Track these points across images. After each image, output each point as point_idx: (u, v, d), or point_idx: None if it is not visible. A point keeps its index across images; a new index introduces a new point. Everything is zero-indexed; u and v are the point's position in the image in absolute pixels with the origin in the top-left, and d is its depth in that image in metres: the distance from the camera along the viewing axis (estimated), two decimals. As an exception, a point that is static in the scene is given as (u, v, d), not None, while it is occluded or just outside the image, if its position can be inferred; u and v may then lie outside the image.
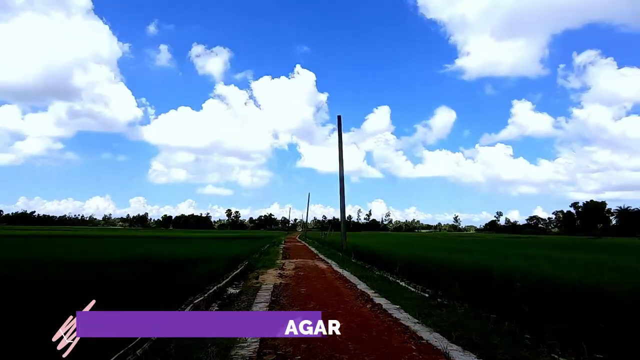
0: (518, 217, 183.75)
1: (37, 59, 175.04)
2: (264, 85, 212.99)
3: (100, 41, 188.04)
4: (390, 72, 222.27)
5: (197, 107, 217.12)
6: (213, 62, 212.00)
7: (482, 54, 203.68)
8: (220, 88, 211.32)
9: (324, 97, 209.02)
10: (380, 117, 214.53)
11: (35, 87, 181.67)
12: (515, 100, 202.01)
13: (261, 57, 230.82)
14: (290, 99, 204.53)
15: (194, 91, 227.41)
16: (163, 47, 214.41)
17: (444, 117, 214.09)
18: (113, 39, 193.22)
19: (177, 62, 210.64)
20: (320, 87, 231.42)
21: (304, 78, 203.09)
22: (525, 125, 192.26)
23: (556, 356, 4.00)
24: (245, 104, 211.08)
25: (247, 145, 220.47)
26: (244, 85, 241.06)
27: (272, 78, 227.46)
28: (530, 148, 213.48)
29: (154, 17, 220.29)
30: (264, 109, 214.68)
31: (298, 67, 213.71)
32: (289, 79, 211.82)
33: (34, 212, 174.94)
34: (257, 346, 4.18)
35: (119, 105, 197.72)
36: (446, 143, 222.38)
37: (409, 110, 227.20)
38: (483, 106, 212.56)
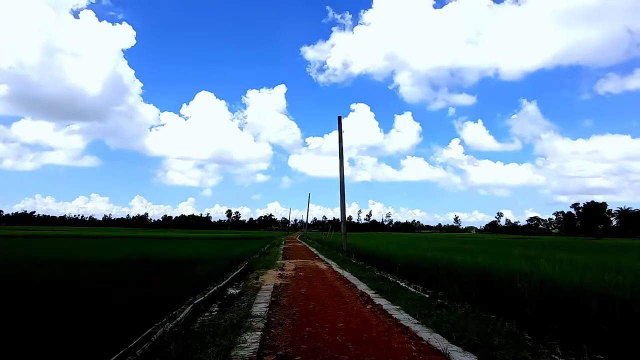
0: (512, 217, 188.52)
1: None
2: (252, 100, 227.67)
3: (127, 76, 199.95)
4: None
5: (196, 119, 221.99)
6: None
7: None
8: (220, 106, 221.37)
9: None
10: (357, 122, 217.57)
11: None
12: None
13: (247, 73, 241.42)
14: (275, 111, 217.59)
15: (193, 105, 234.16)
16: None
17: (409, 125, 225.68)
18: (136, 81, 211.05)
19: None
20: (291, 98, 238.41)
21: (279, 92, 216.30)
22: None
23: (557, 357, 3.99)
24: (243, 118, 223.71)
25: (246, 152, 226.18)
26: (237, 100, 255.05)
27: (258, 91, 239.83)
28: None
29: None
30: (257, 121, 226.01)
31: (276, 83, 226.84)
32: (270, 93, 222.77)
33: (34, 212, 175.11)
34: (257, 347, 4.16)
35: (133, 120, 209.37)
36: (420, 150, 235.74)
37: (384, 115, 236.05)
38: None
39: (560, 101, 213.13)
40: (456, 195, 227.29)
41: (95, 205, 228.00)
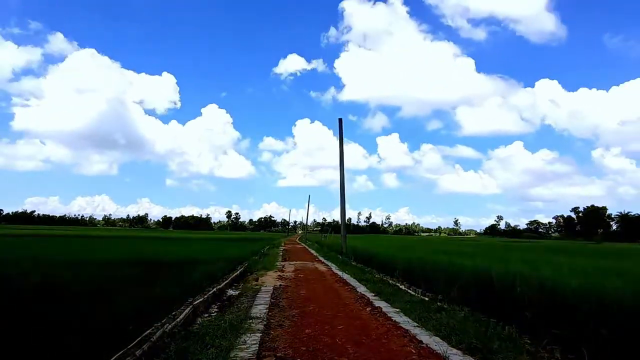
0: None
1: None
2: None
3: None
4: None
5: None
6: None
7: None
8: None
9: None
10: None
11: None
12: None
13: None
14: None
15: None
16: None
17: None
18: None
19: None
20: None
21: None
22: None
23: (556, 361, 3.99)
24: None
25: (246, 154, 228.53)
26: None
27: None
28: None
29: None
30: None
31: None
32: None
33: (34, 211, 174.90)
34: (257, 348, 4.16)
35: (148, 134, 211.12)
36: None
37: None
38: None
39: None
40: (456, 198, 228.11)
41: (96, 206, 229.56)
